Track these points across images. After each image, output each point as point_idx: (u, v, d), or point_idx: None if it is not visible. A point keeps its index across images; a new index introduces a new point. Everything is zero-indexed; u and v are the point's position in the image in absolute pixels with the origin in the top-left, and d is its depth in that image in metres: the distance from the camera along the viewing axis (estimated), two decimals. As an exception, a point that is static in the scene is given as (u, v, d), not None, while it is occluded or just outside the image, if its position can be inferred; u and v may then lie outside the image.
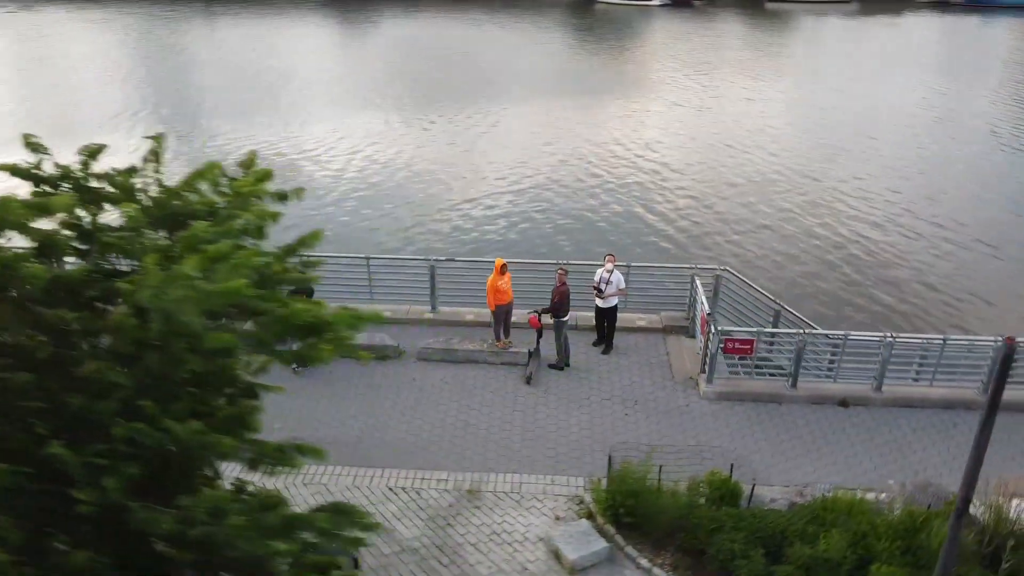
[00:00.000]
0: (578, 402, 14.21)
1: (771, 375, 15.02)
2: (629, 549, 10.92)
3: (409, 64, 52.78)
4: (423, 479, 12.36)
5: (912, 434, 13.47)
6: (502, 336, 15.37)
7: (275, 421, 13.45)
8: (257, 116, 39.93)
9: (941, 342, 14.01)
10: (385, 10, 73.87)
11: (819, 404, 14.17)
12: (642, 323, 16.47)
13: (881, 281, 23.67)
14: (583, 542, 10.88)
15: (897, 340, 13.93)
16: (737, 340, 14.08)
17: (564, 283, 14.63)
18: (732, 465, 11.50)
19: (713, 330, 13.95)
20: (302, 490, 12.07)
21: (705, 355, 14.26)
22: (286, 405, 14.05)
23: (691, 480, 11.41)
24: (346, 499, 11.89)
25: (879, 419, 13.79)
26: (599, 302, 15.32)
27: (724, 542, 10.37)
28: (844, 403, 14.19)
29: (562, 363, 15.05)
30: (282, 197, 6.40)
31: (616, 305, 15.44)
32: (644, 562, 10.72)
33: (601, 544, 10.84)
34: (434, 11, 72.78)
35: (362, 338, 15.11)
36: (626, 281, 16.22)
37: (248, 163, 6.71)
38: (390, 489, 12.16)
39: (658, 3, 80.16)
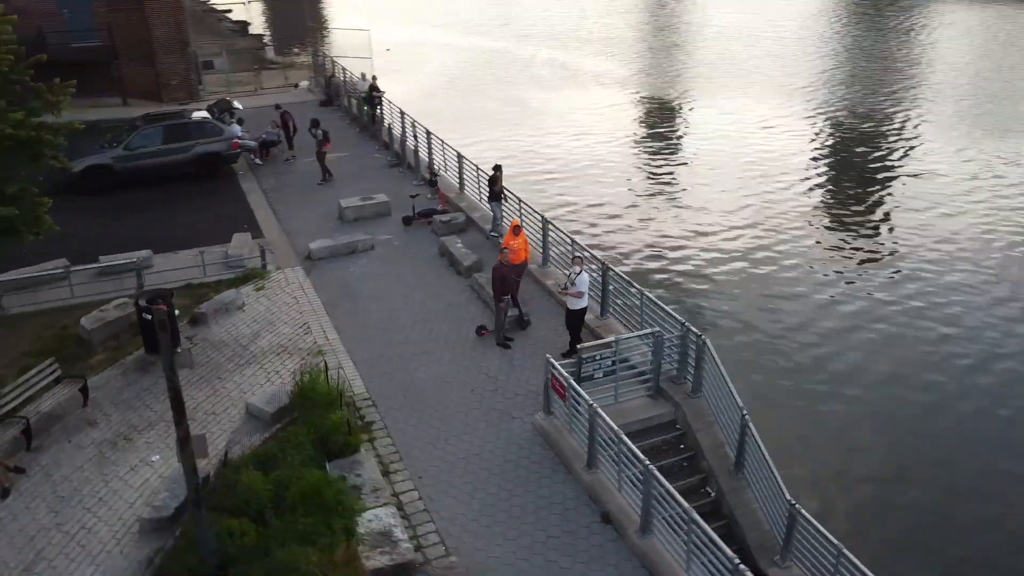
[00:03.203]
0: (467, 366, 14.95)
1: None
2: (277, 427, 13.15)
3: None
4: (324, 333, 16.14)
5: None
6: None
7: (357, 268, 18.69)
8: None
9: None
10: None
11: (592, 500, 11.63)
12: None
13: None
14: (270, 401, 13.56)
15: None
16: (558, 380, 12.46)
17: (503, 265, 14.93)
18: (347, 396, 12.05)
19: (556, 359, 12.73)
20: (265, 298, 17.49)
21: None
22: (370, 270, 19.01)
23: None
24: (281, 302, 16.88)
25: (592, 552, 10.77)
26: (576, 303, 14.86)
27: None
28: (607, 518, 11.29)
29: (503, 339, 15.51)
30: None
31: (582, 309, 14.70)
32: (267, 436, 12.93)
33: (268, 410, 13.35)
34: None
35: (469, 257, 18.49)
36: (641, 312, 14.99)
37: None
38: (304, 324, 16.42)
39: None
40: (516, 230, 16.06)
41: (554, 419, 13.08)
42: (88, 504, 11.60)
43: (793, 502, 11.22)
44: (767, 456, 11.99)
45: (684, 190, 29.66)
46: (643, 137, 36.28)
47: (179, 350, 15.29)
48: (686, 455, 13.39)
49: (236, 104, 27.14)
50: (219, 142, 24.32)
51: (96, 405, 13.89)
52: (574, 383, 12.20)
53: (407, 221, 21.05)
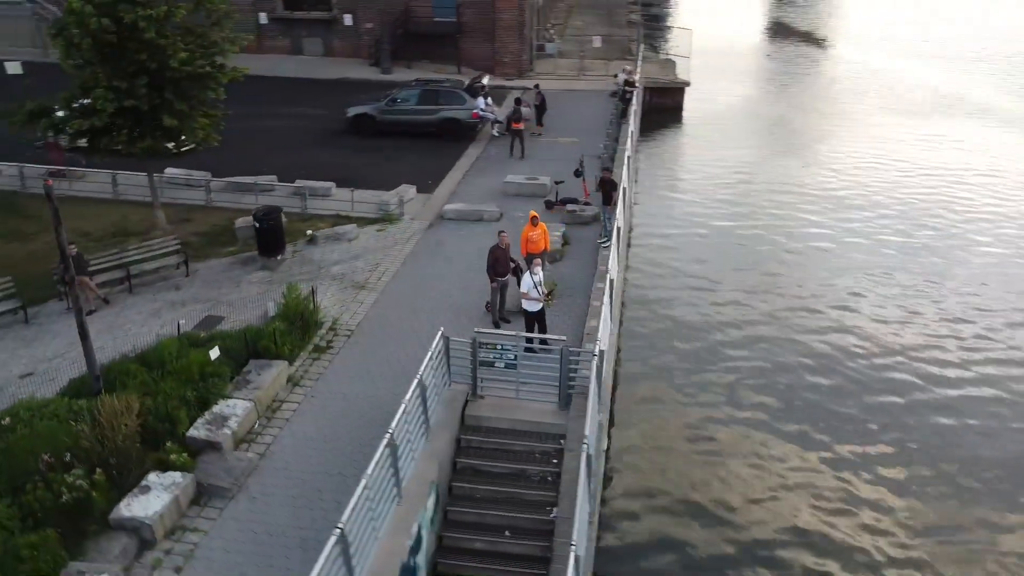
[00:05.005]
0: (451, 332, 15.94)
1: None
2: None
3: None
4: (381, 273, 18.50)
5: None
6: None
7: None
8: None
9: None
10: None
11: (400, 462, 12.28)
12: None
13: None
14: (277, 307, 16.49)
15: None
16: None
17: (498, 247, 15.42)
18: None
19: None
20: (374, 238, 20.21)
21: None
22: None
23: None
24: (381, 244, 19.60)
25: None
26: (532, 305, 14.94)
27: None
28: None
29: (498, 318, 16.08)
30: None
31: (541, 310, 14.77)
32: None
33: (271, 313, 16.26)
34: None
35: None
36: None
37: None
38: (377, 264, 18.94)
39: None
40: (534, 221, 16.41)
41: (452, 388, 13.73)
42: (118, 335, 15.91)
43: (573, 545, 10.64)
44: (579, 494, 11.32)
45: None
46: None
47: (278, 257, 19.14)
48: (554, 471, 12.96)
49: (485, 80, 30.24)
50: (461, 110, 27.72)
51: (193, 278, 18.35)
52: (425, 362, 12.69)
53: (548, 205, 22.02)
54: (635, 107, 28.31)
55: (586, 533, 11.99)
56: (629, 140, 23.79)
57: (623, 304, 21.08)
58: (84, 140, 18.46)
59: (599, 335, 13.24)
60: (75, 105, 18.01)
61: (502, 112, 29.21)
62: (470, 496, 12.96)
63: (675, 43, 39.83)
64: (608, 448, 15.94)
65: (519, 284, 16.38)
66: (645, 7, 68.38)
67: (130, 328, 16.23)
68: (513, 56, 38.62)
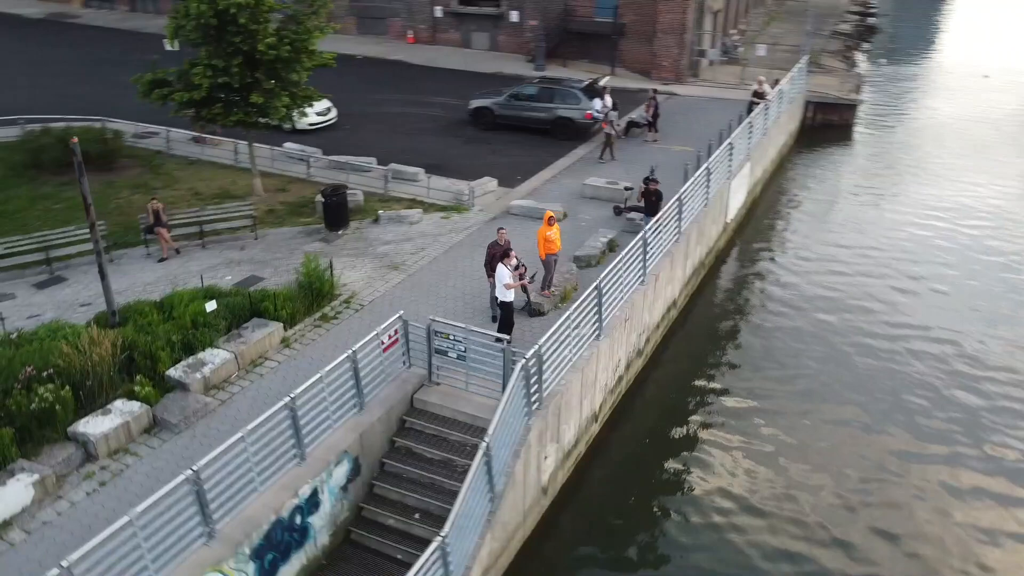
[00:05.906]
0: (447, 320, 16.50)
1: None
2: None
3: None
4: (421, 258, 19.31)
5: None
6: (548, 285, 16.86)
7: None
8: None
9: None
10: None
11: (329, 430, 13.00)
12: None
13: None
14: (309, 276, 17.88)
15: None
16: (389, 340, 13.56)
17: (496, 244, 15.61)
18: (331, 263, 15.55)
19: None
20: (434, 224, 21.01)
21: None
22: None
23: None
24: (437, 230, 20.48)
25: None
26: (507, 295, 15.06)
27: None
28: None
29: (496, 313, 16.26)
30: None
31: (512, 301, 14.97)
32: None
33: (297, 280, 17.67)
34: None
35: (594, 250, 19.79)
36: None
37: None
38: (422, 248, 19.78)
39: None
40: (550, 221, 16.33)
41: (411, 371, 14.28)
42: (173, 281, 18.04)
43: (442, 536, 10.91)
44: (463, 489, 11.44)
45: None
46: None
47: (339, 232, 20.65)
48: (477, 465, 13.07)
49: (602, 83, 29.69)
50: (575, 110, 27.80)
51: (260, 241, 20.27)
52: (365, 339, 13.21)
53: (617, 211, 21.65)
54: (759, 120, 26.71)
55: (478, 531, 12.05)
56: (722, 151, 22.58)
57: (673, 312, 20.33)
58: (191, 110, 20.98)
59: (541, 339, 13.08)
60: (180, 79, 20.57)
61: (626, 116, 28.94)
62: (399, 475, 13.44)
63: (879, 56, 36.51)
64: (596, 449, 15.69)
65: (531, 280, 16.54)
66: (862, 16, 63.50)
67: (181, 275, 18.36)
68: (672, 60, 37.79)
